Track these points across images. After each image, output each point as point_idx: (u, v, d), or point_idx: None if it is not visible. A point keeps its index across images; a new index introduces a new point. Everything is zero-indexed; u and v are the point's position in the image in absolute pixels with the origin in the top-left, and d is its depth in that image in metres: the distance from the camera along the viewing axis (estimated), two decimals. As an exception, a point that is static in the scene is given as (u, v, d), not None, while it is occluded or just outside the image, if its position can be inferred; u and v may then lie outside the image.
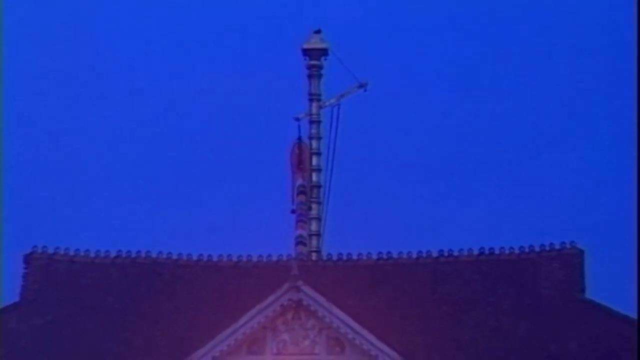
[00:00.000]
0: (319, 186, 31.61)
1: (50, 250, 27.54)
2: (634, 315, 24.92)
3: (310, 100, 32.15)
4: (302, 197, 31.08)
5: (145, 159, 51.62)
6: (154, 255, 27.73)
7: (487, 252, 27.45)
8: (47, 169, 51.85)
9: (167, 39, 55.26)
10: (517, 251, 27.34)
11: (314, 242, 31.01)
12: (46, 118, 53.65)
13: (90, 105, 54.23)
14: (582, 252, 26.94)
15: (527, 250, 27.30)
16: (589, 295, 26.54)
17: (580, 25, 54.39)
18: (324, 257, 29.52)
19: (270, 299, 23.92)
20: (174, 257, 27.74)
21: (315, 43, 32.38)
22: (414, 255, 27.62)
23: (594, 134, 52.92)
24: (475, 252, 27.49)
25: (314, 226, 31.19)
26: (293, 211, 31.08)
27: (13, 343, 25.12)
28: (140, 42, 55.87)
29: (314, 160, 31.69)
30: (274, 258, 27.62)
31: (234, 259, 27.70)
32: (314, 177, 31.60)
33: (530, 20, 54.79)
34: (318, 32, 32.60)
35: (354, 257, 27.94)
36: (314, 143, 31.85)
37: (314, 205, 31.32)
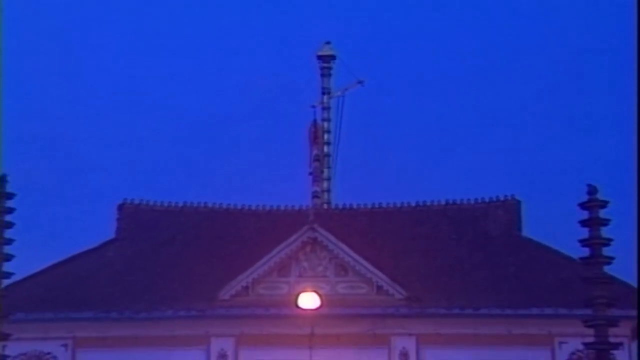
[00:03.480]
0: (329, 155, 31.48)
1: (137, 201, 27.68)
2: (556, 247, 24.92)
3: (323, 93, 32.00)
4: (316, 163, 31.02)
5: (206, 140, 52.51)
6: (210, 205, 27.80)
7: (451, 202, 27.47)
8: (133, 144, 52.49)
9: (222, 47, 55.90)
10: (472, 202, 27.35)
11: (326, 196, 30.92)
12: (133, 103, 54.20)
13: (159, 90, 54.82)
14: (519, 202, 26.96)
15: (480, 201, 27.31)
16: (524, 233, 26.54)
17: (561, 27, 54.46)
18: (333, 207, 29.55)
19: (294, 237, 23.92)
20: (225, 206, 27.80)
21: (326, 51, 32.27)
22: (398, 205, 27.65)
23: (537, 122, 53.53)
24: (443, 202, 27.51)
25: (325, 184, 31.07)
26: (310, 173, 31.05)
27: (111, 266, 25.32)
28: (194, 45, 56.53)
29: (326, 136, 31.56)
30: (297, 207, 27.60)
31: (267, 208, 27.71)
32: (325, 148, 31.47)
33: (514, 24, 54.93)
34: (328, 43, 32.53)
35: (355, 207, 28.00)
36: (325, 124, 31.71)
37: (325, 169, 31.22)
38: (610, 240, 17.38)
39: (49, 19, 54.99)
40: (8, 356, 19.23)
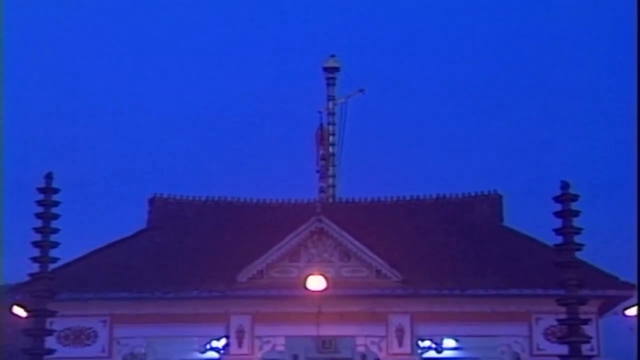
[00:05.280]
0: (334, 155, 31.47)
1: (165, 196, 27.65)
2: (533, 236, 24.78)
3: (328, 100, 31.92)
4: (323, 162, 31.02)
5: (226, 142, 52.86)
6: (229, 198, 27.81)
7: (441, 196, 27.45)
8: (164, 145, 52.77)
9: (241, 63, 56.21)
10: (460, 196, 27.31)
11: (331, 191, 30.84)
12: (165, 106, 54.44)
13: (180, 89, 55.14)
14: (501, 196, 26.98)
15: (466, 195, 27.28)
16: (505, 223, 26.61)
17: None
18: (337, 201, 29.58)
19: (303, 227, 23.81)
20: (242, 200, 27.82)
21: (331, 63, 32.16)
22: (395, 199, 27.67)
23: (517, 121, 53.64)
24: (434, 196, 27.50)
25: (330, 181, 31.00)
26: (317, 171, 31.08)
27: (143, 253, 25.29)
28: (212, 57, 56.82)
29: (331, 138, 31.52)
30: (305, 201, 27.64)
31: (280, 201, 27.72)
32: (331, 149, 31.41)
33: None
34: (333, 56, 32.60)
35: (356, 200, 28.04)
36: (331, 127, 31.66)
37: (330, 167, 31.18)
38: (580, 229, 17.59)
39: (79, 22, 55.35)
40: (54, 331, 19.50)
